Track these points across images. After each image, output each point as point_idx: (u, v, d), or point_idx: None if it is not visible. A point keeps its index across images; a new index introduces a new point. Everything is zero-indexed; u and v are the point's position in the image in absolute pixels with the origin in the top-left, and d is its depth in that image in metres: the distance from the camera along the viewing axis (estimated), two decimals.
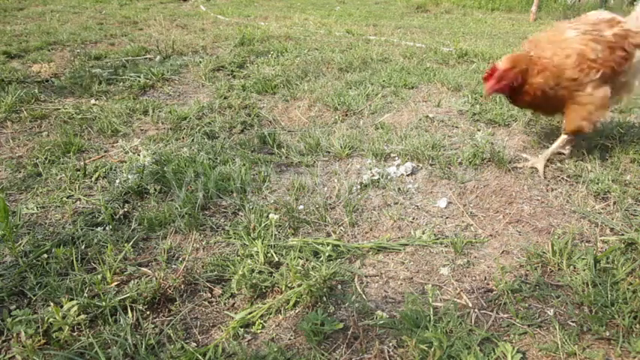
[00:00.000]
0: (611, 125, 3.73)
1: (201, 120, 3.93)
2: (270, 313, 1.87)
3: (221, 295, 1.98)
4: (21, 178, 2.90)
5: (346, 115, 4.19)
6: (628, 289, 1.84)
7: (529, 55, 2.85)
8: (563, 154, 3.17)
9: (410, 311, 1.78)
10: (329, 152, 3.35)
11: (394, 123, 3.98)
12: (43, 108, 4.14)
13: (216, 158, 3.10)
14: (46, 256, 2.13)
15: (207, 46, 6.93)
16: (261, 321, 1.83)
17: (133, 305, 1.86)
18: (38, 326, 1.70)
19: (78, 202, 2.66)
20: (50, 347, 1.67)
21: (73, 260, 2.05)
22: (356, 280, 2.07)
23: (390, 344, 1.71)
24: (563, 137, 3.04)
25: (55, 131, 3.64)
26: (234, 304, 1.94)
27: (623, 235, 2.31)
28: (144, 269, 2.10)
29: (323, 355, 1.66)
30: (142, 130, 3.80)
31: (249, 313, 1.84)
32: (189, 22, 9.25)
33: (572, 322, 1.81)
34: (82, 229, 2.34)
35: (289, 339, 1.76)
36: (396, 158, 3.23)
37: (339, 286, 2.04)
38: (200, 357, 1.63)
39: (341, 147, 3.33)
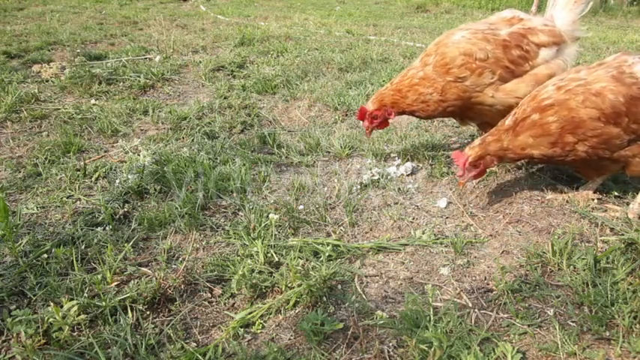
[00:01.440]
0: None
1: (201, 120, 3.93)
2: (270, 313, 1.87)
3: (221, 295, 1.98)
4: (21, 178, 2.90)
5: (346, 115, 4.19)
6: (628, 289, 1.84)
7: (390, 88, 2.88)
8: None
9: (410, 311, 1.78)
10: (329, 152, 3.35)
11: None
12: (43, 108, 4.14)
13: (216, 158, 3.10)
14: (46, 256, 2.13)
15: (207, 46, 6.93)
16: (261, 321, 1.83)
17: (133, 305, 1.86)
18: (38, 326, 1.70)
19: (78, 202, 2.66)
20: (50, 347, 1.67)
21: (73, 260, 2.05)
22: (356, 280, 2.07)
23: (390, 344, 1.71)
24: None
25: (55, 131, 3.64)
26: (234, 304, 1.94)
27: (623, 235, 2.31)
28: (144, 269, 2.10)
29: (323, 355, 1.66)
30: (142, 130, 3.80)
31: (249, 313, 1.84)
32: (189, 22, 9.24)
33: (572, 322, 1.81)
34: (82, 229, 2.34)
35: (289, 339, 1.76)
36: (396, 158, 3.23)
37: (339, 286, 2.04)
38: (200, 357, 1.63)
39: (341, 147, 3.33)
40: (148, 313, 1.86)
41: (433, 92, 2.77)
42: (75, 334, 1.73)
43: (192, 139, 3.46)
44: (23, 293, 1.94)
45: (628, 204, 2.59)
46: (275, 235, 2.30)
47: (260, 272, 2.01)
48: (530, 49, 2.68)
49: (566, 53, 2.77)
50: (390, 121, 3.00)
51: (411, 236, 2.38)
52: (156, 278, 1.96)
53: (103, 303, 1.82)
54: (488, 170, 2.67)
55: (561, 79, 2.45)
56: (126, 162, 3.00)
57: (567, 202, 2.68)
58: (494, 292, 1.98)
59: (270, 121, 4.03)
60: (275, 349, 1.63)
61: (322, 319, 1.73)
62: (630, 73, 2.28)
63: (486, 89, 2.71)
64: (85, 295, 1.89)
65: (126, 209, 2.53)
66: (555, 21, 2.77)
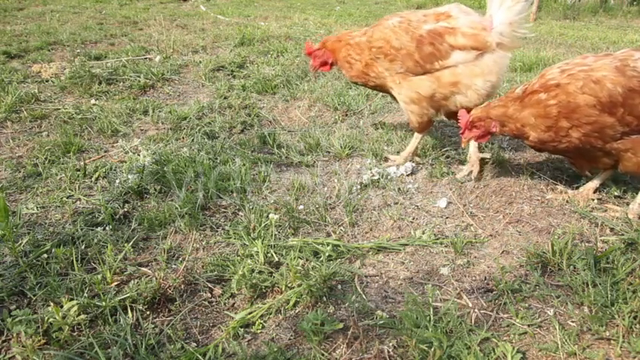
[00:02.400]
0: None
1: (201, 120, 3.93)
2: (270, 313, 1.87)
3: (221, 295, 1.98)
4: (21, 178, 2.90)
5: (346, 115, 4.19)
6: (628, 289, 1.84)
7: (335, 36, 3.08)
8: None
9: (410, 311, 1.78)
10: (329, 152, 3.35)
11: (394, 123, 3.98)
12: (43, 108, 4.14)
13: (216, 158, 3.10)
14: (46, 256, 2.13)
15: (207, 46, 6.93)
16: (261, 321, 1.83)
17: (133, 305, 1.86)
18: (38, 326, 1.70)
19: (78, 202, 2.66)
20: (50, 347, 1.67)
21: (73, 260, 2.05)
22: (356, 280, 2.07)
23: (390, 344, 1.71)
24: (415, 135, 3.14)
25: (55, 131, 3.64)
26: (234, 304, 1.94)
27: (623, 235, 2.31)
28: (144, 269, 2.10)
29: (323, 355, 1.66)
30: (142, 130, 3.80)
31: (249, 313, 1.84)
32: (189, 22, 9.24)
33: (572, 322, 1.81)
34: (82, 229, 2.34)
35: (289, 339, 1.76)
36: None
37: (339, 286, 2.04)
38: (200, 357, 1.63)
39: (341, 147, 3.33)
40: (148, 313, 1.86)
41: (358, 61, 2.96)
42: (75, 334, 1.73)
43: (192, 139, 3.46)
44: (23, 293, 1.94)
45: (628, 204, 2.59)
46: (275, 235, 2.29)
47: (260, 272, 2.01)
48: (443, 49, 2.69)
49: (487, 59, 2.70)
50: (328, 66, 3.19)
51: (411, 236, 2.38)
52: (156, 278, 1.96)
53: (103, 303, 1.82)
54: (490, 135, 2.67)
55: (567, 62, 2.47)
56: (126, 162, 3.00)
57: (567, 202, 2.68)
58: (494, 292, 1.98)
59: (270, 121, 4.03)
60: (275, 349, 1.63)
61: (322, 319, 1.73)
62: (634, 67, 2.30)
63: (395, 76, 2.84)
64: (85, 295, 1.89)
65: (126, 209, 2.53)
66: (493, 21, 2.69)
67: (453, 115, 2.93)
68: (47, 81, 4.99)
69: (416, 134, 3.12)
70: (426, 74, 2.78)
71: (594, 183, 2.68)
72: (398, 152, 3.29)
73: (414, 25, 2.76)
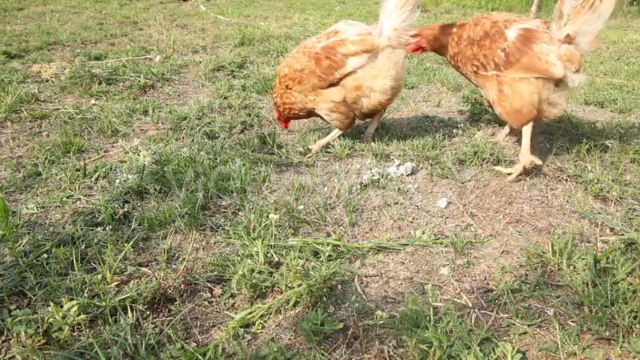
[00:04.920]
0: (611, 125, 3.73)
1: (201, 120, 3.94)
2: (270, 313, 1.87)
3: (221, 295, 1.98)
4: (21, 178, 2.89)
5: None
6: (628, 289, 1.84)
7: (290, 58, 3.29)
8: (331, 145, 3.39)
9: (410, 311, 1.78)
10: (329, 152, 3.35)
11: (394, 123, 3.98)
12: (43, 108, 4.14)
13: (216, 158, 3.10)
14: (46, 256, 2.12)
15: (207, 46, 6.94)
16: (261, 321, 1.83)
17: (133, 305, 1.85)
18: (38, 326, 1.70)
19: (78, 202, 2.66)
20: (50, 347, 1.67)
21: (73, 260, 2.05)
22: (356, 280, 2.07)
23: (390, 344, 1.71)
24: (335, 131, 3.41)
25: (55, 131, 3.64)
26: (234, 304, 1.94)
27: (623, 235, 2.31)
28: (144, 269, 2.10)
29: (323, 355, 1.66)
30: (142, 130, 3.80)
31: (249, 313, 1.84)
32: (189, 22, 9.25)
33: (572, 322, 1.81)
34: (82, 229, 2.34)
35: (289, 339, 1.76)
36: (396, 158, 3.23)
37: (339, 286, 2.04)
38: (200, 357, 1.63)
39: (341, 147, 3.33)
40: (148, 313, 1.86)
41: (276, 97, 3.34)
42: (75, 334, 1.73)
43: (192, 139, 3.46)
44: (23, 293, 1.94)
45: (622, 199, 2.59)
46: (275, 235, 2.29)
47: (260, 272, 2.01)
48: (338, 59, 3.02)
49: (380, 59, 3.04)
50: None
51: (411, 236, 2.38)
52: (156, 278, 1.96)
53: (103, 303, 1.82)
54: (421, 50, 3.45)
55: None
56: (126, 162, 3.00)
57: (567, 202, 2.68)
58: (494, 292, 1.98)
59: (270, 121, 4.03)
60: (275, 349, 1.63)
61: (322, 319, 1.73)
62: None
63: (309, 95, 3.17)
64: (85, 295, 1.89)
65: (126, 209, 2.53)
66: (383, 27, 3.03)
67: (368, 115, 3.35)
68: (47, 81, 4.99)
69: (336, 130, 3.39)
70: (332, 86, 3.11)
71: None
72: (398, 152, 3.30)
73: (309, 47, 3.11)
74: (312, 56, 3.06)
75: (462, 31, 3.17)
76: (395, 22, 3.00)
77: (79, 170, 2.96)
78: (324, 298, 1.94)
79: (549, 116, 2.96)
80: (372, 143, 3.41)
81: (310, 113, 3.35)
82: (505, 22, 2.98)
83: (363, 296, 1.97)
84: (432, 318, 1.74)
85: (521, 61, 2.82)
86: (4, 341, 1.71)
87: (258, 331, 1.79)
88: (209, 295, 1.99)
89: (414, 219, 2.56)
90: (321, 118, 3.37)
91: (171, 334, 1.74)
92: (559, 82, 2.83)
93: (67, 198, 2.67)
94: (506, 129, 3.49)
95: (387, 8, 3.02)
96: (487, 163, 3.15)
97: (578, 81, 2.81)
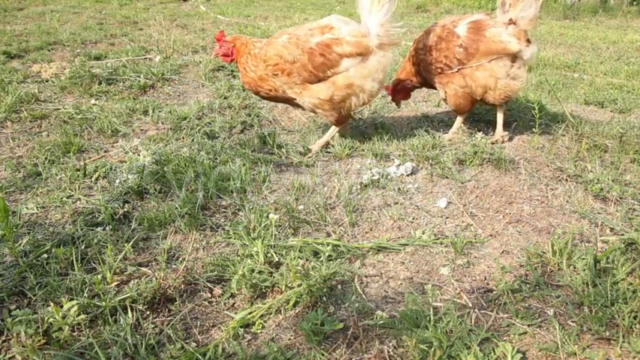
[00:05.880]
0: (611, 125, 3.73)
1: (201, 120, 3.93)
2: (270, 313, 1.87)
3: (221, 295, 1.98)
4: (21, 178, 2.89)
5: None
6: (628, 289, 1.84)
7: (247, 38, 3.25)
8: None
9: (410, 311, 1.78)
10: (329, 152, 3.35)
11: (394, 123, 3.98)
12: (43, 108, 4.14)
13: (216, 158, 3.10)
14: (46, 256, 2.12)
15: (207, 46, 6.93)
16: (261, 321, 1.83)
17: (133, 305, 1.85)
18: (38, 326, 1.70)
19: (78, 202, 2.66)
20: (50, 347, 1.67)
21: (73, 260, 2.05)
22: (356, 280, 2.07)
23: (390, 344, 1.71)
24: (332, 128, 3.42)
25: (55, 131, 3.64)
26: (234, 304, 1.94)
27: (623, 235, 2.31)
28: (144, 269, 2.10)
29: (323, 355, 1.66)
30: (142, 130, 3.80)
31: (249, 313, 1.84)
32: (189, 22, 9.25)
33: (572, 322, 1.81)
34: (82, 229, 2.34)
35: (289, 339, 1.76)
36: (396, 158, 3.23)
37: (339, 286, 2.04)
38: (200, 357, 1.63)
39: (341, 147, 3.33)
40: (148, 313, 1.86)
41: (253, 71, 3.16)
42: (75, 334, 1.73)
43: (192, 139, 3.46)
44: (23, 293, 1.94)
45: (622, 199, 2.59)
46: (275, 235, 2.29)
47: (260, 272, 2.01)
48: (333, 58, 3.02)
49: (372, 60, 3.06)
50: (228, 59, 3.30)
51: (411, 236, 2.38)
52: (156, 278, 1.96)
53: (103, 303, 1.82)
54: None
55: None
56: (126, 162, 3.00)
57: (567, 202, 2.69)
58: (494, 292, 1.98)
59: (270, 121, 4.03)
60: (275, 349, 1.63)
61: (322, 319, 1.73)
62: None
63: (295, 87, 3.12)
64: (85, 295, 1.89)
65: (126, 209, 2.53)
66: (368, 27, 3.04)
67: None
68: (47, 81, 4.99)
69: (332, 127, 3.38)
70: (321, 81, 3.10)
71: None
72: (398, 152, 3.30)
73: (302, 40, 3.06)
74: (306, 50, 3.03)
75: (416, 44, 3.49)
76: (378, 17, 3.00)
77: (79, 170, 2.96)
78: (324, 298, 1.94)
79: (514, 89, 3.29)
80: (372, 143, 3.41)
81: (285, 100, 3.30)
82: (452, 22, 3.34)
83: (363, 296, 1.97)
84: (432, 318, 1.74)
85: (480, 49, 3.18)
86: (4, 341, 1.71)
87: (258, 331, 1.79)
88: (209, 295, 1.99)
89: (414, 219, 2.56)
90: (299, 107, 3.35)
91: (171, 334, 1.74)
92: (515, 58, 3.21)
93: (67, 198, 2.67)
94: (498, 128, 3.55)
95: (365, 6, 3.02)
96: (487, 163, 3.15)
97: (530, 52, 3.21)
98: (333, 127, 3.37)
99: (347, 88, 3.09)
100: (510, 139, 3.60)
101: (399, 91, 3.78)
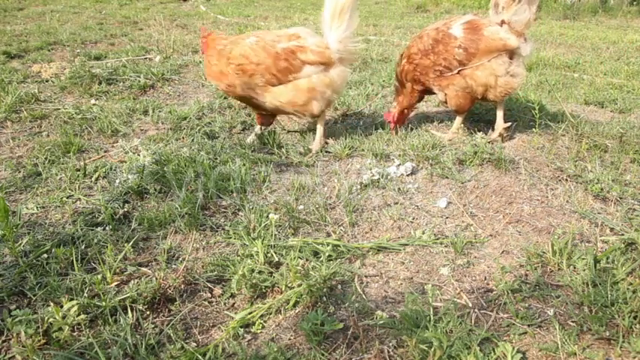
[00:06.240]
0: (611, 125, 3.73)
1: (201, 120, 3.94)
2: (270, 313, 1.87)
3: (221, 295, 1.98)
4: (21, 178, 2.89)
5: (346, 115, 4.19)
6: (628, 289, 1.84)
7: (217, 36, 3.32)
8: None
9: (410, 311, 1.78)
10: (329, 152, 3.35)
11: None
12: (43, 108, 4.14)
13: (216, 158, 3.10)
14: (46, 256, 2.12)
15: None
16: (261, 321, 1.83)
17: (133, 305, 1.85)
18: (38, 326, 1.70)
19: (78, 202, 2.66)
20: (50, 347, 1.67)
21: (73, 260, 2.05)
22: (356, 280, 2.07)
23: (390, 344, 1.71)
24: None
25: (55, 131, 3.64)
26: (234, 304, 1.94)
27: (623, 235, 2.31)
28: (144, 269, 2.10)
29: (323, 355, 1.66)
30: (142, 130, 3.80)
31: (249, 313, 1.84)
32: (189, 22, 9.24)
33: (572, 322, 1.81)
34: (82, 229, 2.34)
35: (289, 339, 1.76)
36: (396, 158, 3.23)
37: (339, 286, 2.04)
38: (200, 357, 1.63)
39: (341, 147, 3.33)
40: (148, 313, 1.86)
41: (215, 65, 3.25)
42: (75, 334, 1.73)
43: (192, 139, 3.46)
44: (23, 293, 1.94)
45: (622, 199, 2.59)
46: (275, 235, 2.29)
47: (260, 272, 2.01)
48: (296, 63, 3.14)
49: (333, 72, 3.21)
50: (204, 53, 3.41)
51: (411, 236, 2.38)
52: (156, 278, 1.96)
53: (103, 303, 1.82)
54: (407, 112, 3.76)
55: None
56: (126, 162, 3.00)
57: (567, 202, 2.69)
58: (494, 292, 1.98)
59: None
60: (275, 349, 1.63)
61: (322, 319, 1.73)
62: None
63: (257, 89, 3.21)
64: (85, 295, 1.89)
65: (126, 209, 2.53)
66: (329, 42, 3.18)
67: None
68: (47, 81, 4.99)
69: (318, 126, 3.43)
70: (282, 85, 3.20)
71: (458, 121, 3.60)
72: (398, 152, 3.30)
73: (269, 44, 3.16)
74: (272, 54, 3.12)
75: (409, 50, 3.50)
76: (336, 35, 3.14)
77: (79, 170, 2.96)
78: (324, 298, 1.94)
79: (514, 86, 3.32)
80: (372, 143, 3.41)
81: (244, 98, 3.36)
82: (444, 24, 3.38)
83: (363, 296, 1.97)
84: (432, 318, 1.74)
85: (480, 48, 3.20)
86: (4, 341, 1.71)
87: (258, 331, 1.79)
88: (209, 295, 1.99)
89: (414, 219, 2.56)
90: (259, 107, 3.41)
91: (171, 334, 1.74)
92: (513, 55, 3.24)
93: (67, 198, 2.67)
94: (498, 122, 3.57)
95: (326, 21, 3.16)
96: (487, 163, 3.15)
97: (529, 48, 3.28)
98: (319, 125, 3.42)
99: (308, 92, 3.18)
100: (510, 138, 3.60)
101: (397, 120, 3.71)
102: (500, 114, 3.53)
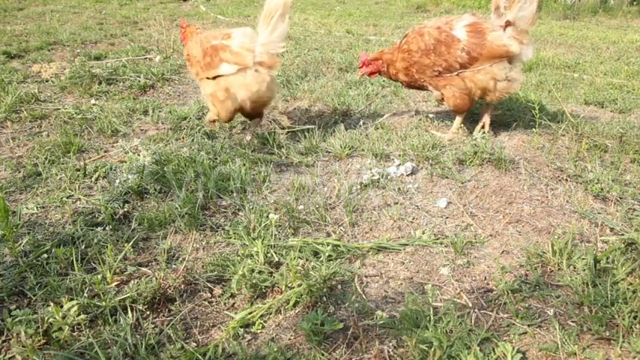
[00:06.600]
0: (611, 125, 3.73)
1: (201, 120, 3.93)
2: (270, 313, 1.87)
3: (221, 295, 1.98)
4: (21, 178, 2.89)
5: (346, 115, 4.19)
6: (628, 289, 1.84)
7: (193, 30, 3.63)
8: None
9: (410, 311, 1.78)
10: (329, 152, 3.35)
11: (394, 123, 3.98)
12: (43, 108, 4.14)
13: (216, 158, 3.10)
14: (46, 256, 2.12)
15: None
16: (261, 321, 1.83)
17: (133, 305, 1.86)
18: (38, 326, 1.70)
19: (78, 202, 2.66)
20: (50, 347, 1.67)
21: (73, 260, 2.05)
22: (356, 280, 2.07)
23: (390, 344, 1.71)
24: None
25: (55, 131, 3.64)
26: (234, 304, 1.94)
27: (623, 235, 2.31)
28: (144, 269, 2.10)
29: (323, 355, 1.66)
30: (142, 130, 3.80)
31: (249, 313, 1.84)
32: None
33: (572, 322, 1.81)
34: (82, 229, 2.34)
35: (289, 339, 1.76)
36: (396, 158, 3.23)
37: (339, 286, 2.04)
38: (200, 357, 1.63)
39: (341, 147, 3.33)
40: (148, 313, 1.86)
41: (185, 54, 3.56)
42: (75, 334, 1.73)
43: (192, 139, 3.46)
44: (23, 293, 1.94)
45: (622, 199, 2.59)
46: (275, 235, 2.30)
47: (260, 272, 2.01)
48: (216, 61, 3.28)
49: (248, 75, 3.23)
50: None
51: (411, 236, 2.38)
52: (156, 278, 1.96)
53: (103, 303, 1.82)
54: (378, 74, 3.70)
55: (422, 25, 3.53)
56: (126, 162, 3.00)
57: (567, 202, 2.69)
58: (494, 292, 1.98)
59: (270, 121, 4.03)
60: (275, 349, 1.63)
61: (322, 319, 1.73)
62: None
63: (196, 77, 3.48)
64: (85, 295, 1.89)
65: (126, 209, 2.53)
66: (259, 40, 3.25)
67: (249, 116, 3.53)
68: (47, 81, 4.99)
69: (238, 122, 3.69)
70: (208, 79, 3.34)
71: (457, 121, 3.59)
72: (398, 152, 3.30)
73: (207, 40, 3.37)
74: (202, 49, 3.33)
75: (408, 46, 3.48)
76: (264, 37, 3.23)
77: (79, 170, 2.96)
78: (324, 298, 1.94)
79: (511, 91, 3.40)
80: (372, 143, 3.41)
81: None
82: (446, 24, 3.36)
83: (363, 296, 1.97)
84: (432, 318, 1.74)
85: (483, 54, 3.22)
86: (4, 341, 1.71)
87: (258, 331, 1.79)
88: (209, 295, 1.99)
89: (414, 219, 2.56)
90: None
91: (171, 334, 1.74)
92: (513, 60, 3.28)
93: (67, 198, 2.67)
94: (486, 120, 3.63)
95: (259, 23, 3.26)
96: (487, 163, 3.15)
97: (530, 53, 3.32)
98: (219, 119, 3.53)
99: (225, 91, 3.27)
100: (510, 138, 3.60)
101: (369, 66, 3.71)
102: (488, 116, 3.62)
